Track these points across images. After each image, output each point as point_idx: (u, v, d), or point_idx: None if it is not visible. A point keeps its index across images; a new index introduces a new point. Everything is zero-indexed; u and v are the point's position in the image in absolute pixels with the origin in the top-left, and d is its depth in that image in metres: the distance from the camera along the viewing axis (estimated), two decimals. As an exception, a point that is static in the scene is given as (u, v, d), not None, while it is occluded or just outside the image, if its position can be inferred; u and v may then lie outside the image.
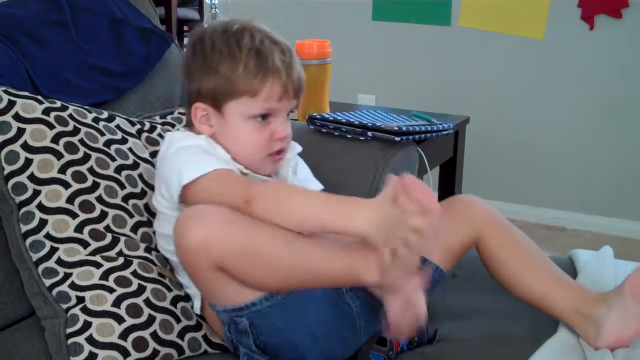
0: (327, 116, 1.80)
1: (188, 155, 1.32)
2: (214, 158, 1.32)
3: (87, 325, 1.26)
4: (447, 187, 2.35)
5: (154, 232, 1.43)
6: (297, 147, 1.51)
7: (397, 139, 1.70)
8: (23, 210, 1.36)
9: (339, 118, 1.79)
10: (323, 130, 1.79)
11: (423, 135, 1.81)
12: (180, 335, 1.32)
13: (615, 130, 3.22)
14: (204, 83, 1.36)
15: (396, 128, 1.73)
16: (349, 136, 1.76)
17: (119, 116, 1.57)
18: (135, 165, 1.48)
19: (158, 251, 1.42)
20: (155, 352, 1.28)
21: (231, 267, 1.17)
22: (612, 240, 3.06)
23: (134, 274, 1.35)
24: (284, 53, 1.37)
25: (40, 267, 1.33)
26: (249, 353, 1.27)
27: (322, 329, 1.26)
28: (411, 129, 1.76)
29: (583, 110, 3.26)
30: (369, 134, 1.72)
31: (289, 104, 1.38)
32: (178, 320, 1.33)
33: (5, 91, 1.40)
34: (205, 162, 1.29)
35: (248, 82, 1.33)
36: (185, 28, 5.18)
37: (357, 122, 1.76)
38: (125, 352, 1.25)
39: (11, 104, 1.39)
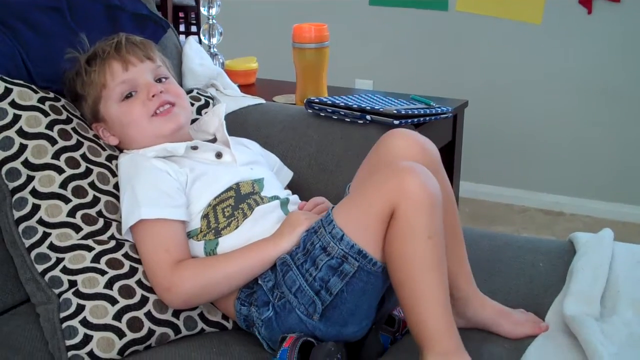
0: (325, 100, 1.79)
1: (140, 191, 1.36)
2: (160, 200, 1.36)
3: (80, 308, 1.26)
4: (446, 171, 2.33)
5: None
6: (223, 106, 1.61)
7: (396, 122, 1.69)
8: (16, 196, 1.36)
9: (337, 102, 1.78)
10: (321, 114, 1.78)
11: (422, 119, 1.79)
12: (176, 314, 1.32)
13: (613, 115, 3.22)
14: (83, 110, 1.51)
15: (395, 111, 1.72)
16: (347, 120, 1.75)
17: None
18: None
19: None
20: (151, 332, 1.28)
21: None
22: (610, 224, 3.05)
23: (126, 256, 1.35)
24: (112, 39, 1.51)
25: (33, 253, 1.33)
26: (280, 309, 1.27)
27: (373, 309, 1.28)
28: (410, 112, 1.75)
29: (581, 94, 3.25)
30: (368, 117, 1.71)
31: (141, 70, 1.48)
32: (172, 300, 1.34)
33: (1, 78, 1.41)
34: (144, 206, 1.33)
35: (94, 81, 1.47)
36: (181, 14, 5.17)
37: (355, 106, 1.74)
38: (120, 333, 1.25)
39: (8, 91, 1.40)
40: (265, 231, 1.34)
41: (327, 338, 1.25)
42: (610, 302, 1.37)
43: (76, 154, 1.41)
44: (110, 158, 1.46)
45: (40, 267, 1.32)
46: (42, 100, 1.43)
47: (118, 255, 1.34)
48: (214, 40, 2.51)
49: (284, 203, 1.42)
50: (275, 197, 1.43)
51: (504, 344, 1.31)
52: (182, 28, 5.40)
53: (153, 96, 1.45)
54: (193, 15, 5.52)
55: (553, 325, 1.31)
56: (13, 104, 1.39)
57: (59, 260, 1.31)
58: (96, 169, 1.42)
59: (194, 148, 1.47)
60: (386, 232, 1.19)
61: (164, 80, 1.51)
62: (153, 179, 1.37)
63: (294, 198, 1.49)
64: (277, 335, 1.26)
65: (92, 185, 1.39)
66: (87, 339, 1.23)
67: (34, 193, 1.35)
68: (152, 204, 1.33)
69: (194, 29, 5.50)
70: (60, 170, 1.37)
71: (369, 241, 1.19)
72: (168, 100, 1.47)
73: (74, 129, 1.44)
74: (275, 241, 1.30)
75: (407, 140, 1.34)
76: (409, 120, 1.74)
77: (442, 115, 1.88)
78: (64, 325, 1.25)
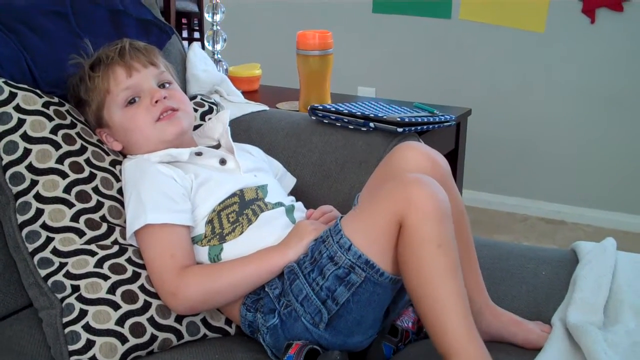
0: (328, 107, 1.79)
1: (145, 196, 1.36)
2: (164, 204, 1.35)
3: (83, 313, 1.26)
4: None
5: None
6: (227, 112, 1.62)
7: (400, 130, 1.69)
8: (20, 200, 1.36)
9: (340, 109, 1.78)
10: (325, 121, 1.78)
11: (425, 127, 1.79)
12: (178, 319, 1.32)
13: (616, 124, 3.22)
14: (86, 115, 1.51)
15: (398, 119, 1.72)
16: (350, 127, 1.75)
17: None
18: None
19: None
20: (154, 337, 1.28)
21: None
22: (612, 233, 3.04)
23: (129, 261, 1.35)
24: (116, 44, 1.51)
25: (36, 258, 1.33)
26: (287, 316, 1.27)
27: (378, 319, 1.28)
28: (413, 120, 1.75)
29: (584, 103, 3.26)
30: (371, 124, 1.71)
31: (144, 76, 1.48)
32: (175, 305, 1.34)
33: (5, 82, 1.41)
34: (151, 211, 1.33)
35: (98, 87, 1.47)
36: (184, 20, 5.16)
37: (359, 113, 1.74)
38: (122, 338, 1.25)
39: (12, 96, 1.40)
40: (271, 237, 1.35)
41: (332, 347, 1.25)
42: (613, 311, 1.37)
43: (80, 159, 1.41)
44: (114, 163, 1.46)
45: (43, 272, 1.32)
46: (46, 104, 1.43)
47: (121, 260, 1.34)
48: (218, 47, 2.52)
49: (290, 210, 1.43)
50: (280, 204, 1.43)
51: (508, 351, 1.30)
52: (184, 34, 5.40)
53: (156, 102, 1.45)
54: (196, 22, 5.53)
55: (557, 333, 1.30)
56: (17, 108, 1.39)
57: (62, 265, 1.31)
58: (100, 174, 1.42)
59: (198, 154, 1.47)
60: (396, 243, 1.19)
61: (167, 85, 1.52)
62: (159, 183, 1.37)
63: (298, 205, 1.49)
64: (282, 342, 1.26)
65: (95, 190, 1.39)
66: (89, 344, 1.23)
67: (38, 197, 1.35)
68: (158, 209, 1.33)
69: (196, 35, 5.50)
70: (64, 175, 1.37)
71: (377, 252, 1.19)
72: (171, 106, 1.47)
73: (78, 133, 1.44)
74: (282, 250, 1.30)
75: (417, 153, 1.34)
76: (412, 128, 1.74)
77: (445, 124, 1.88)
78: (67, 330, 1.25)
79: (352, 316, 1.23)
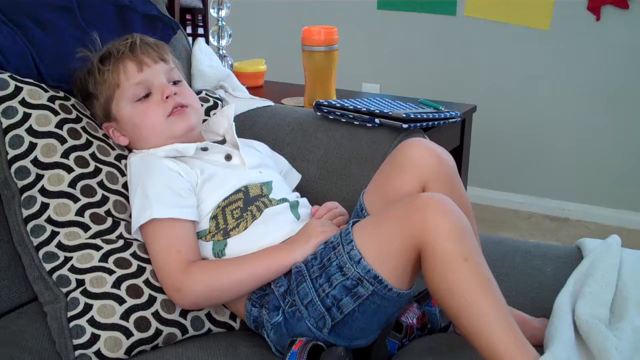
0: (334, 103, 1.79)
1: (151, 190, 1.36)
2: (169, 199, 1.35)
3: (87, 307, 1.26)
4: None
5: None
6: (232, 107, 1.61)
7: (405, 126, 1.69)
8: (25, 195, 1.36)
9: (346, 104, 1.77)
10: (330, 117, 1.78)
11: (430, 123, 1.79)
12: (183, 314, 1.32)
13: (620, 121, 3.21)
14: (94, 109, 1.51)
15: (404, 115, 1.72)
16: (355, 123, 1.74)
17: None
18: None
19: None
20: (158, 332, 1.29)
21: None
22: (616, 231, 3.05)
23: (134, 255, 1.35)
24: (126, 39, 1.51)
25: (41, 252, 1.33)
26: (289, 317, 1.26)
27: (383, 324, 1.28)
28: (419, 116, 1.75)
29: (589, 100, 3.25)
30: (377, 120, 1.71)
31: (155, 71, 1.48)
32: (180, 299, 1.34)
33: (11, 77, 1.41)
34: (157, 206, 1.33)
35: (108, 81, 1.47)
36: (188, 16, 5.16)
37: (364, 109, 1.74)
38: (127, 333, 1.25)
39: (18, 90, 1.40)
40: (275, 233, 1.35)
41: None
42: (618, 308, 1.37)
43: (85, 153, 1.41)
44: (119, 157, 1.47)
45: (48, 266, 1.32)
46: (52, 99, 1.43)
47: (126, 254, 1.34)
48: (223, 42, 2.52)
49: (294, 206, 1.42)
50: (284, 200, 1.43)
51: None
52: (189, 30, 5.40)
53: (167, 97, 1.45)
54: (200, 17, 5.53)
55: (566, 319, 1.29)
56: (23, 102, 1.39)
57: (67, 259, 1.32)
58: (105, 168, 1.42)
59: (204, 149, 1.47)
60: (417, 265, 1.18)
61: (177, 83, 1.52)
62: (165, 178, 1.37)
63: (303, 201, 1.49)
64: (286, 340, 1.26)
65: (101, 184, 1.40)
66: (94, 338, 1.24)
67: (43, 192, 1.35)
68: (163, 204, 1.33)
69: (201, 30, 5.50)
70: (69, 169, 1.37)
71: (387, 269, 1.18)
72: (181, 102, 1.47)
73: (83, 128, 1.45)
74: (289, 250, 1.30)
75: (423, 150, 1.34)
76: (418, 124, 1.73)
77: (450, 120, 1.88)
78: (72, 324, 1.26)
79: (357, 324, 1.23)
